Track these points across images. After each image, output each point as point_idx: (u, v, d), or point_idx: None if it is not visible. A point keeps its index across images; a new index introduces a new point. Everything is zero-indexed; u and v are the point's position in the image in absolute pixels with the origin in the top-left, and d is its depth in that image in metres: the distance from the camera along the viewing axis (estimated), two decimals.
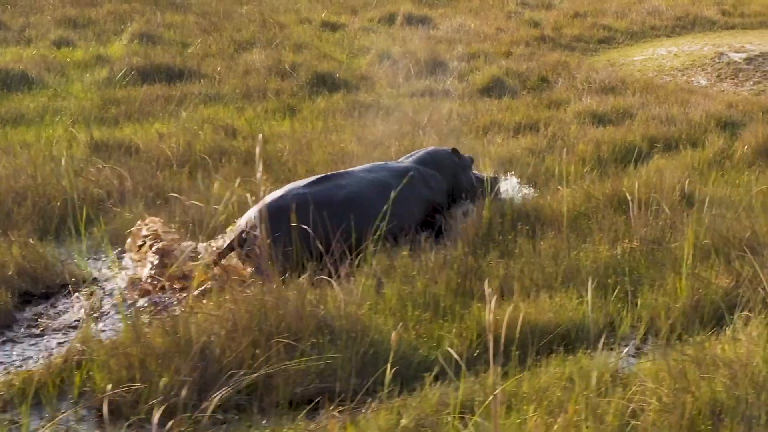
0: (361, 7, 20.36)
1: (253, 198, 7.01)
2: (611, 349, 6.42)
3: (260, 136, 6.79)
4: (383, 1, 21.08)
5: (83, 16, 19.07)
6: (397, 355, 5.91)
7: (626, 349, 6.43)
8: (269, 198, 7.72)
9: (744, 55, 15.88)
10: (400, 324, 6.32)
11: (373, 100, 12.89)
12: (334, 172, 8.39)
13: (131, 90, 13.50)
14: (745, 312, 6.52)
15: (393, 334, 5.18)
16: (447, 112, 12.14)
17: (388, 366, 5.12)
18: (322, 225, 7.56)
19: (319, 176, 8.16)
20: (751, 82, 15.03)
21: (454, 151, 9.28)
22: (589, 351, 6.15)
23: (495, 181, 9.30)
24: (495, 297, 7.03)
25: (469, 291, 6.94)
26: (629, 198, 8.00)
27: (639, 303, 6.90)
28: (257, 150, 6.22)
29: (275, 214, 7.44)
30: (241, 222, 7.68)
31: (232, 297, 6.20)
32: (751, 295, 6.77)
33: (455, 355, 5.42)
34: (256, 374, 5.62)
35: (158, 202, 8.64)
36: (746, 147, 10.81)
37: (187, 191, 8.89)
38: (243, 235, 7.53)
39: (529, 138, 11.13)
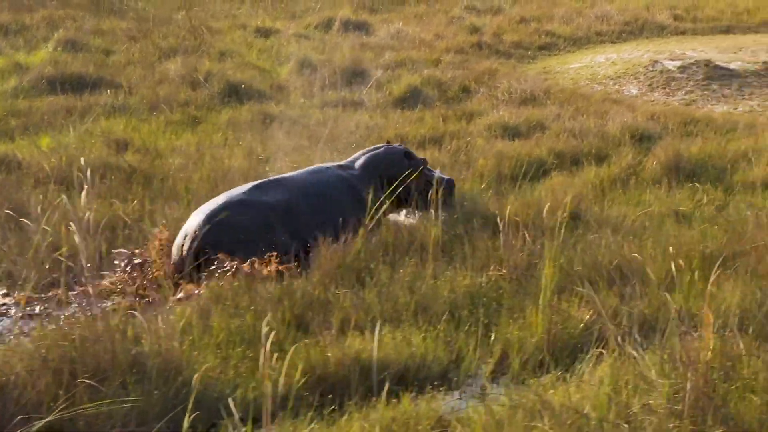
0: (303, 13, 19.90)
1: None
2: (452, 390, 6.00)
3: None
4: (325, 5, 20.63)
5: (16, 22, 18.60)
6: (209, 397, 5.52)
7: (462, 391, 5.99)
8: (206, 207, 7.83)
9: (679, 63, 15.46)
10: (221, 361, 5.90)
11: (280, 111, 12.44)
12: (271, 178, 8.41)
13: (37, 101, 13.03)
14: (600, 349, 6.09)
15: (195, 376, 4.91)
16: (354, 125, 11.68)
17: (188, 409, 4.66)
18: (258, 235, 7.66)
19: (258, 182, 8.16)
20: (683, 92, 14.62)
21: (407, 153, 9.08)
22: (422, 393, 5.71)
23: (450, 184, 9.07)
24: (331, 331, 6.63)
25: (306, 325, 6.50)
26: (499, 221, 7.55)
27: (492, 337, 6.45)
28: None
29: (216, 223, 7.56)
30: (184, 236, 7.69)
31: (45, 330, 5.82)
32: (610, 330, 6.34)
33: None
34: (49, 418, 5.21)
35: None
36: (655, 162, 10.38)
37: (51, 210, 8.43)
38: (194, 252, 7.53)
39: (431, 152, 10.68)
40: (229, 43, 16.63)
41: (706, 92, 14.66)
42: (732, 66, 15.44)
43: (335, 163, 8.95)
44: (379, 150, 9.06)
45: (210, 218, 7.70)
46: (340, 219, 8.08)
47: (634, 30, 19.56)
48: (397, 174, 8.76)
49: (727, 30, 20.00)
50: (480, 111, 12.65)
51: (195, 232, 7.68)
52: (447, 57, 16.21)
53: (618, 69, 15.73)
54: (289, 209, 7.98)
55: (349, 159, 9.05)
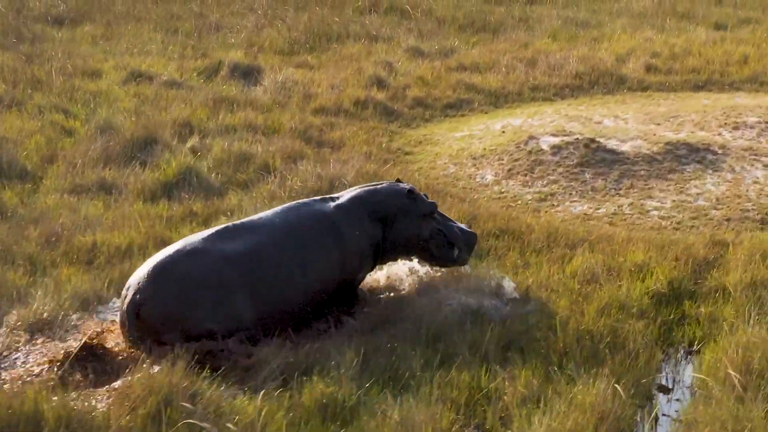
0: (209, 52, 17.72)
1: None
2: None
3: None
4: (246, 43, 18.39)
5: None
6: None
7: None
8: (157, 256, 7.34)
9: (556, 141, 12.61)
10: None
11: (19, 199, 10.47)
12: (240, 221, 7.87)
13: None
14: None
15: None
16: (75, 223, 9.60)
17: None
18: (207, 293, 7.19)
19: (223, 226, 7.65)
20: (545, 181, 11.82)
21: (411, 192, 8.29)
22: None
23: (471, 238, 8.60)
24: None
25: None
26: None
27: None
28: None
29: (162, 275, 7.13)
30: (127, 288, 7.27)
31: None
32: None
33: None
34: None
35: None
36: None
37: None
38: (134, 308, 7.11)
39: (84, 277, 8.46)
40: (72, 93, 14.60)
41: (573, 183, 11.83)
42: (623, 147, 12.51)
43: (320, 197, 8.31)
44: (378, 185, 8.40)
45: (154, 270, 7.18)
46: (315, 268, 7.63)
47: (584, 85, 16.60)
48: (395, 214, 8.17)
49: (704, 86, 16.82)
50: (230, 209, 10.30)
51: (138, 284, 7.16)
52: (310, 119, 13.78)
53: (491, 144, 13.01)
54: (252, 260, 7.38)
55: (341, 192, 8.36)
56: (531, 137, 12.75)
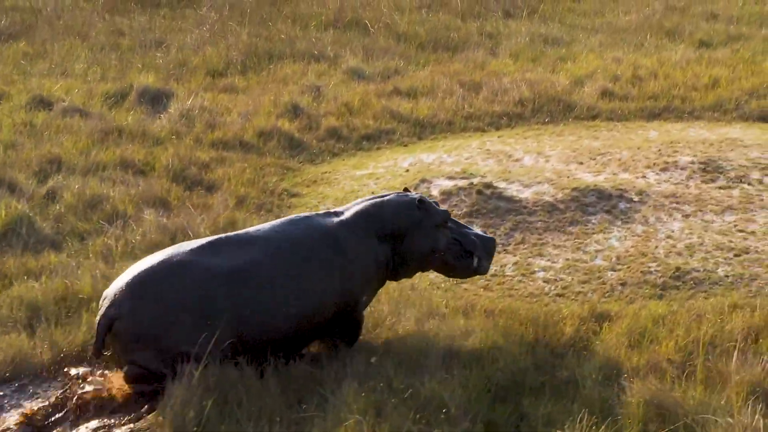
0: (130, 74, 16.52)
1: None
2: None
3: None
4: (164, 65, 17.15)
5: None
6: None
7: None
8: (138, 266, 7.02)
9: (450, 185, 11.24)
10: None
11: None
12: (234, 233, 7.48)
13: None
14: None
15: None
16: None
17: None
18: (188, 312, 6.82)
19: (215, 237, 7.27)
20: None
21: (421, 202, 7.84)
22: None
23: (489, 243, 8.25)
24: None
25: None
26: None
27: None
28: None
29: (139, 290, 6.81)
30: (104, 298, 7.00)
31: None
32: None
33: None
34: None
35: None
36: None
37: None
38: (109, 322, 6.81)
39: None
40: None
41: None
42: (523, 194, 11.10)
43: (322, 211, 7.90)
44: (384, 197, 7.90)
45: (132, 284, 6.85)
46: (314, 288, 7.17)
47: (526, 113, 15.15)
48: (406, 228, 7.73)
49: (660, 114, 15.29)
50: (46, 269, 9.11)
51: (114, 296, 6.88)
52: (198, 154, 12.53)
53: (385, 186, 11.69)
54: (240, 278, 6.92)
55: (345, 206, 7.87)
56: (423, 180, 11.42)
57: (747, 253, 10.12)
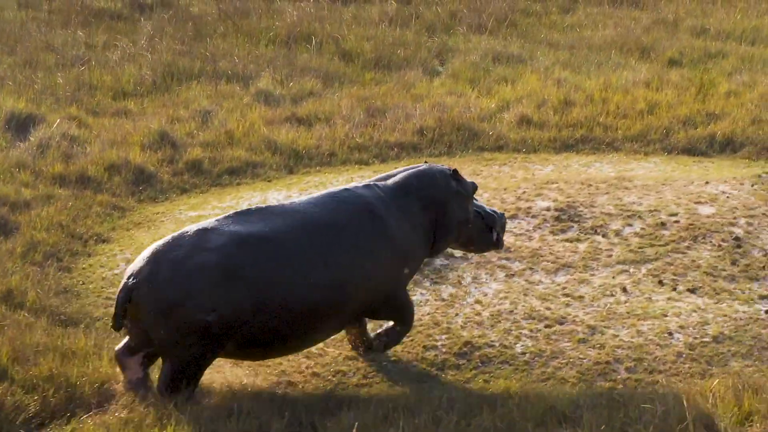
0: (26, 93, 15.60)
1: None
2: None
3: None
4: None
5: None
6: None
7: None
8: (166, 237, 7.00)
9: None
10: None
11: None
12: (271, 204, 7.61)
13: None
14: None
15: None
16: None
17: None
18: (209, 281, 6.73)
19: (244, 209, 7.22)
20: None
21: (455, 173, 7.89)
22: None
23: (503, 219, 8.33)
24: None
25: None
26: None
27: None
28: None
29: (158, 258, 6.77)
30: (126, 272, 6.96)
31: None
32: None
33: None
34: None
35: None
36: None
37: None
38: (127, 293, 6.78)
39: None
40: None
41: None
42: None
43: (362, 182, 7.76)
44: (420, 167, 7.90)
45: (153, 253, 6.86)
46: (353, 259, 7.06)
47: (422, 143, 13.87)
48: (439, 198, 7.69)
49: (575, 145, 13.87)
50: None
51: (135, 267, 6.91)
52: (26, 192, 11.54)
53: None
54: (266, 243, 6.83)
55: (383, 175, 7.90)
56: None
57: (561, 323, 8.75)
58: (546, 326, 8.73)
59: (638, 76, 16.65)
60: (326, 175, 12.75)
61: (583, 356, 8.34)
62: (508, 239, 9.94)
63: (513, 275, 9.47)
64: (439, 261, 9.63)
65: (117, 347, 7.28)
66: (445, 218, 7.76)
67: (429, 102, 15.24)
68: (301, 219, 7.10)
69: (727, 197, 10.98)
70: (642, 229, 10.25)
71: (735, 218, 10.47)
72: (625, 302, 9.10)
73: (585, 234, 10.15)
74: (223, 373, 7.81)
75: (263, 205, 7.37)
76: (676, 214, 10.52)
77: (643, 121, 14.37)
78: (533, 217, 10.53)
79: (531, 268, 9.60)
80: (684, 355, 8.35)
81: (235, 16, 20.99)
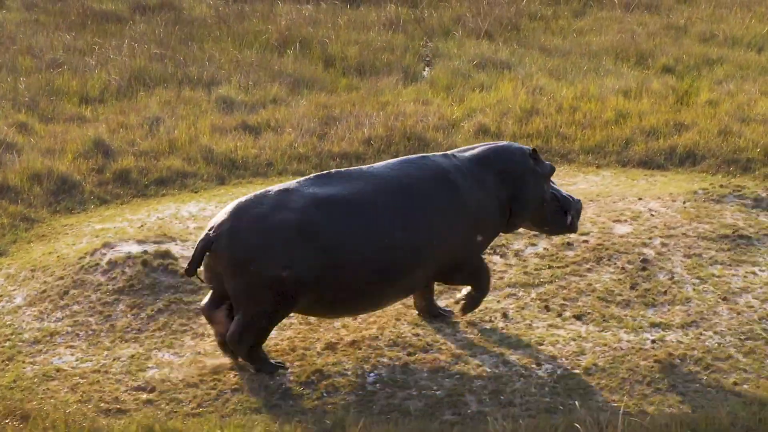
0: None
1: None
2: None
3: None
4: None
5: None
6: None
7: None
8: (246, 197, 7.32)
9: (122, 253, 9.61)
10: None
11: None
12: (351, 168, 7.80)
13: None
14: None
15: None
16: None
17: None
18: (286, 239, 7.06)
19: (325, 172, 7.59)
20: (61, 314, 8.94)
21: (534, 152, 8.10)
22: None
23: (578, 204, 8.48)
24: None
25: None
26: None
27: None
28: None
29: (239, 213, 7.11)
30: (209, 224, 7.34)
31: None
32: None
33: None
34: None
35: None
36: None
37: None
38: (207, 243, 7.15)
39: None
40: None
41: (93, 317, 9.03)
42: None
43: (440, 153, 8.07)
44: (497, 145, 8.18)
45: (235, 207, 7.22)
46: (428, 223, 7.33)
47: (367, 153, 13.40)
48: (516, 173, 7.89)
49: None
50: None
51: (217, 220, 7.28)
52: None
53: (86, 249, 10.16)
54: (342, 202, 7.15)
55: (463, 147, 8.18)
56: (106, 244, 9.80)
57: (426, 351, 8.40)
58: (408, 354, 8.21)
59: (618, 84, 15.89)
60: (257, 186, 12.29)
61: (437, 387, 7.77)
62: None
63: None
64: None
65: (202, 302, 7.75)
66: (520, 194, 7.91)
67: (391, 110, 14.71)
68: (378, 183, 7.35)
69: (652, 215, 10.30)
70: (545, 249, 9.64)
71: (650, 238, 9.80)
72: (502, 329, 8.50)
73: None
74: None
75: (342, 169, 7.63)
76: (587, 234, 9.86)
77: (605, 132, 13.69)
78: None
79: None
80: (546, 388, 7.75)
81: (231, 20, 20.66)
